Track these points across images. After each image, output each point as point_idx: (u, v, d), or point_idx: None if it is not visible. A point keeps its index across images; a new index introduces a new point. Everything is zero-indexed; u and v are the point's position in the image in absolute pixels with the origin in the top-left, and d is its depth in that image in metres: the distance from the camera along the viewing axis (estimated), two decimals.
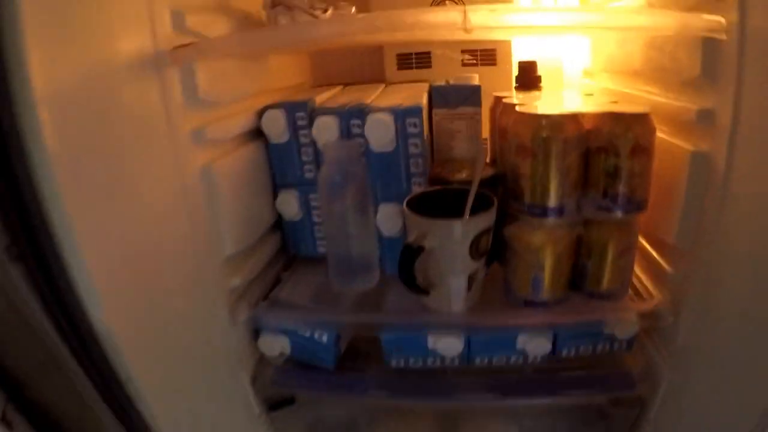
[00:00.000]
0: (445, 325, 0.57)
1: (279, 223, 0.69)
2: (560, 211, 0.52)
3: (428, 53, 0.75)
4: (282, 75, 0.71)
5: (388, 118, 0.56)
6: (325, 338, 0.61)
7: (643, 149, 0.50)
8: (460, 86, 0.62)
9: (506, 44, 0.78)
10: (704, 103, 0.48)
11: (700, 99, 0.49)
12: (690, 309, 0.54)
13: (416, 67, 0.77)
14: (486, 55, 0.75)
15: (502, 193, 0.56)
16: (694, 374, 0.55)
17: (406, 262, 0.52)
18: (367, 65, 0.64)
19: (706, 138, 0.50)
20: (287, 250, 0.70)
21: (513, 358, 0.62)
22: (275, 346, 0.63)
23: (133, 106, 0.44)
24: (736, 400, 0.50)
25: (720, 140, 0.47)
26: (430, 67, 0.76)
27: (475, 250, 0.53)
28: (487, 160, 0.68)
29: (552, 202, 0.51)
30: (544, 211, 0.52)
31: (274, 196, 0.66)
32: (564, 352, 0.61)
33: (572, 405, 0.65)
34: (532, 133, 0.50)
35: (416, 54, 0.76)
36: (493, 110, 0.65)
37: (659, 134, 0.52)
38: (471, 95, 0.61)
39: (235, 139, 0.60)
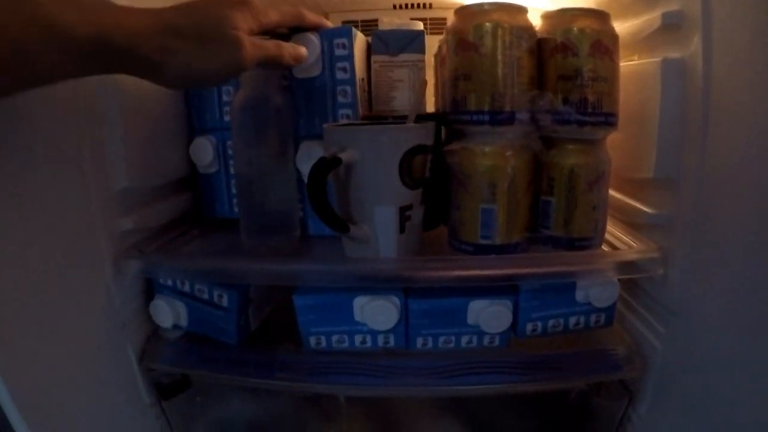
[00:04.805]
0: (371, 275, 0.44)
1: (193, 184, 0.59)
2: (511, 117, 0.42)
3: (375, 21, 0.70)
4: None
5: (313, 36, 0.49)
6: (225, 300, 0.48)
7: (605, 49, 0.42)
8: (402, 31, 0.55)
9: None
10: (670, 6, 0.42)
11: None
12: (682, 259, 0.43)
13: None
14: (436, 25, 0.69)
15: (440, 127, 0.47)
16: (695, 350, 0.42)
17: (318, 177, 0.41)
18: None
19: (676, 44, 0.42)
20: (201, 213, 0.59)
21: (464, 340, 0.49)
22: (169, 313, 0.50)
23: None
24: (751, 385, 0.36)
25: (693, 42, 0.40)
26: None
27: (406, 172, 0.43)
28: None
29: (500, 105, 0.42)
30: (491, 118, 0.42)
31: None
32: (528, 329, 0.48)
33: (544, 398, 0.50)
34: (474, 22, 0.42)
35: (362, 22, 0.71)
36: (437, 57, 0.58)
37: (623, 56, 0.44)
38: (414, 41, 0.54)
39: None
